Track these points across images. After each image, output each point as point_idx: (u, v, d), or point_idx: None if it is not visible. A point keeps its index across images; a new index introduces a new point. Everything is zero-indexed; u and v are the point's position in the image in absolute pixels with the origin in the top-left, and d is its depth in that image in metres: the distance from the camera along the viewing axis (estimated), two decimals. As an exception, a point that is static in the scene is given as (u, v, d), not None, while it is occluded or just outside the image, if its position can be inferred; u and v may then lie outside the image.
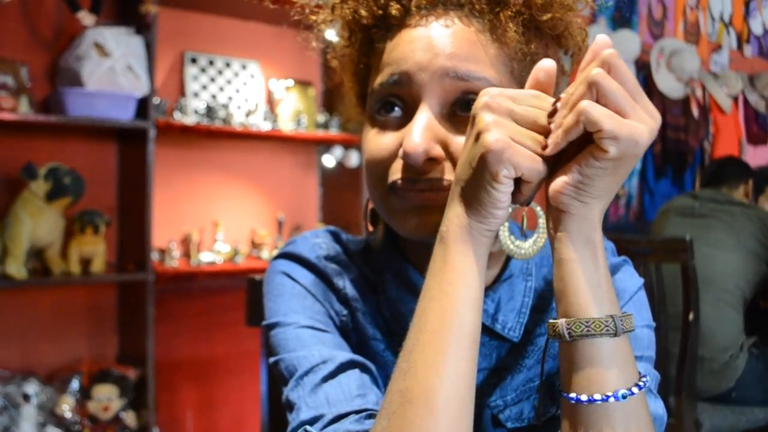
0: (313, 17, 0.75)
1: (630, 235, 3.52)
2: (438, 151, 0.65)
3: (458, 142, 0.65)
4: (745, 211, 2.44)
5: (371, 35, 0.72)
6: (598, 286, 0.57)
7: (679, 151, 4.06)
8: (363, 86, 0.76)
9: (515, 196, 0.58)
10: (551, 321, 0.59)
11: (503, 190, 0.56)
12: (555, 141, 0.55)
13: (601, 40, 0.55)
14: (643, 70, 3.92)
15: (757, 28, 5.13)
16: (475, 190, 0.57)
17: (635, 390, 0.56)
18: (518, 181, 0.57)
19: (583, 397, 0.56)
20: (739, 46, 4.96)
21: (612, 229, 3.78)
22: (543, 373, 0.68)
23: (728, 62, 4.77)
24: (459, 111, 0.66)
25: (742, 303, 2.31)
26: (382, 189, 0.69)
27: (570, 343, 0.57)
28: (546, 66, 0.59)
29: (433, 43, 0.65)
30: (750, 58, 5.03)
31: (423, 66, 0.65)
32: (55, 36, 2.35)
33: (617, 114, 0.52)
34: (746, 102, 4.53)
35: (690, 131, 4.07)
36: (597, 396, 0.56)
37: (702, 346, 2.11)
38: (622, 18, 4.09)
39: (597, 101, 0.52)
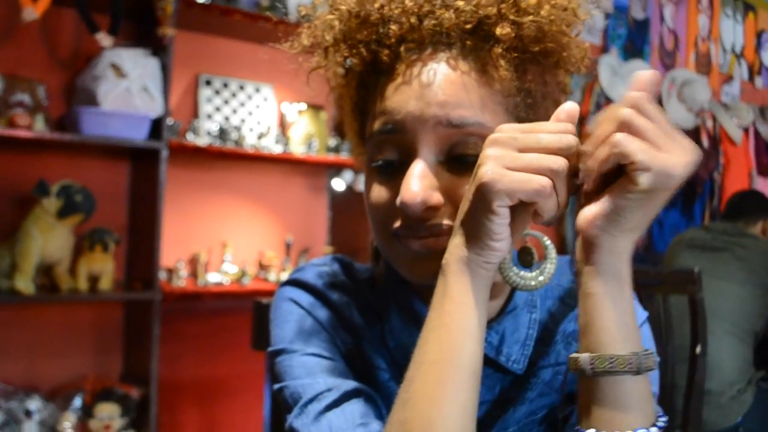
0: (307, 64, 0.75)
1: (639, 266, 3.48)
2: (437, 198, 0.65)
3: (456, 186, 0.65)
4: (757, 245, 2.43)
5: (364, 78, 0.71)
6: (624, 322, 0.58)
7: (688, 182, 4.02)
8: (361, 126, 0.76)
9: (536, 217, 0.59)
10: (572, 355, 0.59)
11: (498, 222, 0.57)
12: (587, 171, 0.56)
13: (644, 76, 0.56)
14: (654, 101, 3.93)
15: (768, 60, 5.14)
16: (472, 222, 0.58)
17: (654, 430, 0.57)
18: (520, 208, 0.58)
19: None
20: (751, 78, 4.97)
21: (621, 258, 3.76)
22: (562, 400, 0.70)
23: (739, 93, 4.78)
24: (454, 156, 0.65)
25: (752, 336, 2.29)
26: (386, 236, 0.69)
27: (591, 378, 0.57)
28: (568, 108, 0.60)
29: (424, 92, 0.64)
30: (761, 89, 5.03)
31: (416, 116, 0.64)
32: (73, 56, 2.39)
33: (651, 148, 0.53)
34: (757, 133, 4.52)
35: (700, 162, 4.07)
36: None
37: (710, 379, 2.09)
38: (633, 48, 4.11)
39: None
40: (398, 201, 0.64)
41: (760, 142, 4.54)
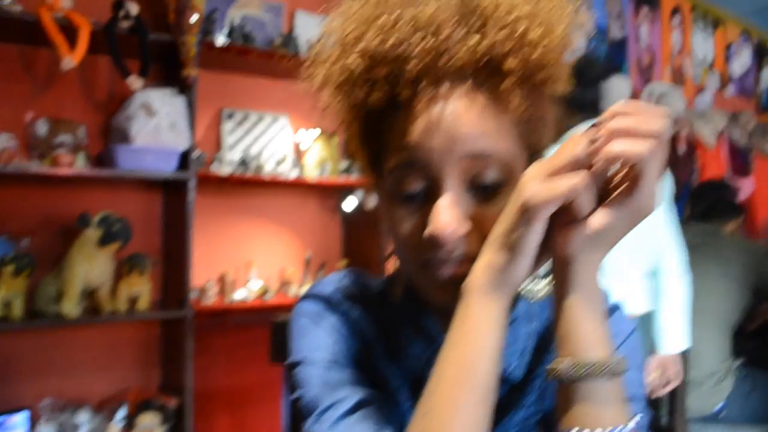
0: (319, 96, 0.71)
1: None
2: (466, 227, 0.63)
3: (480, 213, 0.64)
4: (732, 242, 2.42)
5: (377, 111, 0.67)
6: (597, 330, 0.58)
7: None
8: (371, 154, 0.73)
9: (575, 216, 0.56)
10: (551, 365, 0.58)
11: (534, 238, 0.56)
12: (605, 157, 0.53)
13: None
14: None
15: (736, 70, 5.14)
16: (509, 239, 0.57)
17: (631, 424, 0.57)
18: (557, 220, 0.57)
19: None
20: (722, 87, 4.96)
21: (609, 258, 3.75)
22: (542, 410, 0.69)
23: (712, 102, 4.78)
24: (477, 185, 0.64)
25: (729, 327, 2.28)
26: (415, 265, 0.67)
27: (571, 383, 0.57)
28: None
29: (446, 126, 0.61)
30: (731, 97, 5.02)
31: (440, 151, 0.62)
32: (109, 98, 2.41)
33: (658, 174, 0.53)
34: (730, 138, 4.51)
35: (678, 167, 4.06)
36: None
37: (692, 369, 2.08)
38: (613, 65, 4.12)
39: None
40: (428, 232, 0.62)
41: (733, 145, 4.53)
